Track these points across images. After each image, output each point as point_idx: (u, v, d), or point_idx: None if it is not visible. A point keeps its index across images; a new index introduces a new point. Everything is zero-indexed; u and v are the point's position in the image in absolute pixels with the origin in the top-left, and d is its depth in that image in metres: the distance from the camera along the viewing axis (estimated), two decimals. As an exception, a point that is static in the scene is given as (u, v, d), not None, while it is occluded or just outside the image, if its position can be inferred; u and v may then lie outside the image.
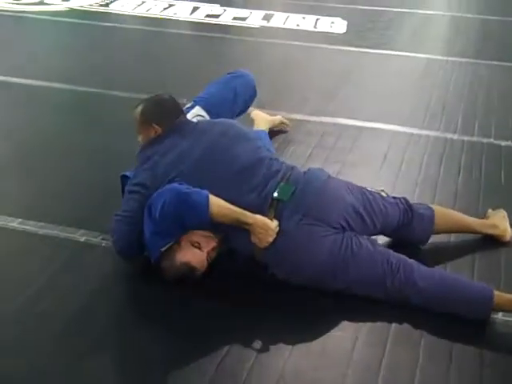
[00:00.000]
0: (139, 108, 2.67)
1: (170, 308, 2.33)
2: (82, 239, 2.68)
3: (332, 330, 2.22)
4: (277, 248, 2.31)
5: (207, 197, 2.28)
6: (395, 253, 2.36)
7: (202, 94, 3.13)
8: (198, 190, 2.31)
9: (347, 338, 2.17)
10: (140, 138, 2.65)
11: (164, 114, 2.63)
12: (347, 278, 2.29)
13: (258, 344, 2.15)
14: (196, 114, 2.99)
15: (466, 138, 3.71)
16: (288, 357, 2.09)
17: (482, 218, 2.78)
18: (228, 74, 3.15)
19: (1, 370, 2.04)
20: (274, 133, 3.65)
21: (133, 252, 2.45)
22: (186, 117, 2.75)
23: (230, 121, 2.79)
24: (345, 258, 2.29)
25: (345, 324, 2.25)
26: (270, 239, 2.30)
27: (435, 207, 2.68)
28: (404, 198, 2.63)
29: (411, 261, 2.34)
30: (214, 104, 3.03)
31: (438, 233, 2.65)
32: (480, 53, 5.36)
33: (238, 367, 2.04)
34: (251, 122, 3.49)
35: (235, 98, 3.01)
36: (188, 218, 2.29)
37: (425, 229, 2.60)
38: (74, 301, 2.35)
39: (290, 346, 2.14)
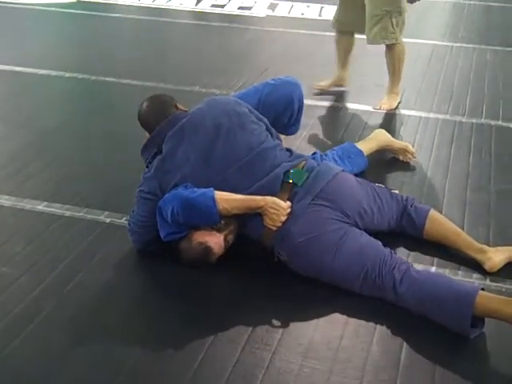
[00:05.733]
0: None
1: (192, 285, 2.41)
2: (108, 221, 2.77)
3: (354, 305, 2.28)
4: (286, 228, 2.35)
5: (213, 197, 2.33)
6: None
7: (236, 95, 2.99)
8: (203, 191, 2.36)
9: (369, 311, 2.25)
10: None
11: (153, 121, 2.60)
12: (344, 255, 2.28)
13: (285, 317, 2.23)
14: None
15: (474, 121, 3.79)
16: (315, 327, 2.18)
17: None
18: (271, 79, 2.98)
19: (43, 336, 2.15)
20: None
21: (149, 248, 2.55)
22: (178, 112, 2.66)
23: (223, 106, 2.65)
24: (343, 239, 2.31)
25: (365, 300, 2.30)
26: (283, 218, 2.35)
27: (433, 212, 2.62)
28: (408, 197, 2.66)
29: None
30: None
31: (428, 238, 2.59)
32: (484, 39, 5.42)
33: (269, 337, 2.13)
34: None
35: (258, 106, 2.77)
36: (198, 221, 2.38)
37: (418, 221, 2.58)
38: (104, 276, 2.45)
39: (315, 318, 2.23)
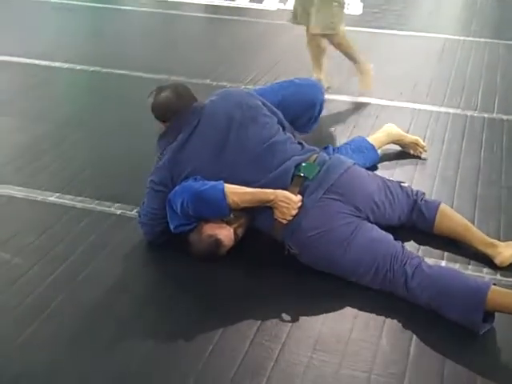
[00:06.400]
0: (150, 100, 2.64)
1: (202, 277, 2.42)
2: (118, 212, 2.78)
3: (364, 299, 2.29)
4: (297, 222, 2.35)
5: (223, 190, 2.33)
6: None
7: (258, 89, 3.01)
8: (213, 184, 2.36)
9: (379, 305, 2.25)
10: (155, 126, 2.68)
11: (172, 112, 2.58)
12: (355, 250, 2.27)
13: (294, 310, 2.23)
14: None
15: (486, 115, 3.78)
16: (324, 320, 2.19)
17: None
18: (296, 78, 3.01)
19: (54, 326, 2.16)
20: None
21: (160, 239, 2.56)
22: (196, 102, 2.64)
23: (236, 99, 2.64)
24: (354, 233, 2.31)
25: (375, 293, 2.30)
26: (294, 212, 2.34)
27: (443, 206, 2.60)
28: (418, 191, 2.64)
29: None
30: None
31: (438, 232, 2.58)
32: (497, 33, 5.39)
33: (278, 330, 2.14)
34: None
35: (280, 104, 2.77)
36: (208, 214, 2.38)
37: (428, 216, 2.56)
38: (114, 267, 2.47)
39: (325, 311, 2.23)
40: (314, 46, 4.11)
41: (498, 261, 2.42)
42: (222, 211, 2.36)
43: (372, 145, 3.10)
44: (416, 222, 2.60)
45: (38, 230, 2.67)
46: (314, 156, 2.53)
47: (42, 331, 2.14)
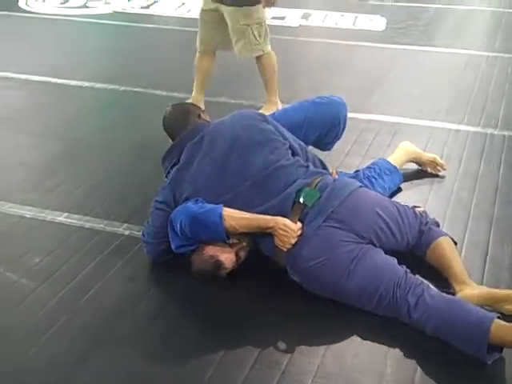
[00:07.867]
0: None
1: (205, 299, 2.39)
2: (127, 233, 2.77)
3: (368, 325, 2.22)
4: (297, 251, 2.29)
5: (220, 214, 2.30)
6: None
7: (280, 110, 3.03)
8: (211, 207, 2.34)
9: (384, 331, 2.18)
10: None
11: (173, 130, 2.69)
12: (357, 277, 2.20)
13: (297, 335, 2.18)
14: None
15: (507, 133, 3.69)
16: (327, 346, 2.13)
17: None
18: (317, 97, 3.00)
19: (57, 347, 2.15)
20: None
21: (162, 259, 2.55)
22: (201, 121, 2.69)
23: (245, 121, 2.63)
24: (355, 261, 2.23)
25: (380, 320, 2.22)
26: (293, 241, 2.29)
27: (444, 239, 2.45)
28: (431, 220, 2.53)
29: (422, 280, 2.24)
30: (281, 123, 2.76)
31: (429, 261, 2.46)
32: (522, 48, 5.30)
33: (279, 355, 2.08)
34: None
35: (304, 124, 2.83)
36: (205, 236, 2.36)
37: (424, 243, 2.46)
38: (119, 288, 2.46)
39: (328, 337, 2.18)
40: (204, 65, 4.01)
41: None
42: (219, 235, 2.33)
43: (395, 166, 3.03)
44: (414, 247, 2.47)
45: (46, 250, 2.67)
46: (317, 180, 2.46)
47: (47, 351, 2.13)
